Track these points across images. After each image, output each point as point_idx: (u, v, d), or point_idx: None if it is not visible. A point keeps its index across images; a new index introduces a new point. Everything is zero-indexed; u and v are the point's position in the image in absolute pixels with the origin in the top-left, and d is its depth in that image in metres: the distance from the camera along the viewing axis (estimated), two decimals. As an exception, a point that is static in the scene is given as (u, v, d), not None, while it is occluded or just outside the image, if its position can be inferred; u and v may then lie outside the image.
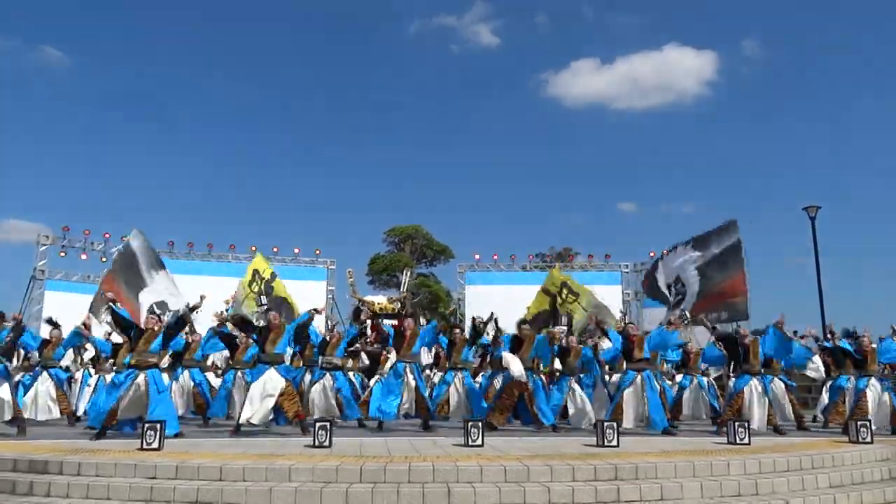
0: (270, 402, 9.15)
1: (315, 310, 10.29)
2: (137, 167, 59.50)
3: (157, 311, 10.96)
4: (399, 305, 21.28)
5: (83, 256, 21.49)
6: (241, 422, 9.14)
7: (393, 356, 13.27)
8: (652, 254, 23.74)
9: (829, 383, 12.10)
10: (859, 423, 8.56)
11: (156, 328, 8.96)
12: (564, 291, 14.33)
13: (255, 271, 14.84)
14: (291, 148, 61.82)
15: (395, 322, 19.43)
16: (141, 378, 8.63)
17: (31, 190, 57.36)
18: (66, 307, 19.65)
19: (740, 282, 13.44)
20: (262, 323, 9.98)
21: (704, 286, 13.77)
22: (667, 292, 14.70)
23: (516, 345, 10.68)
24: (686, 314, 13.55)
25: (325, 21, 61.68)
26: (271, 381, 9.25)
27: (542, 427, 10.09)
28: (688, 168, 59.02)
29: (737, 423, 8.34)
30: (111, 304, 9.31)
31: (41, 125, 56.87)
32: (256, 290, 14.42)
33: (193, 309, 9.75)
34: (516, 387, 10.13)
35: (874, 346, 10.98)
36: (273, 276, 15.21)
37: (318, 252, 24.22)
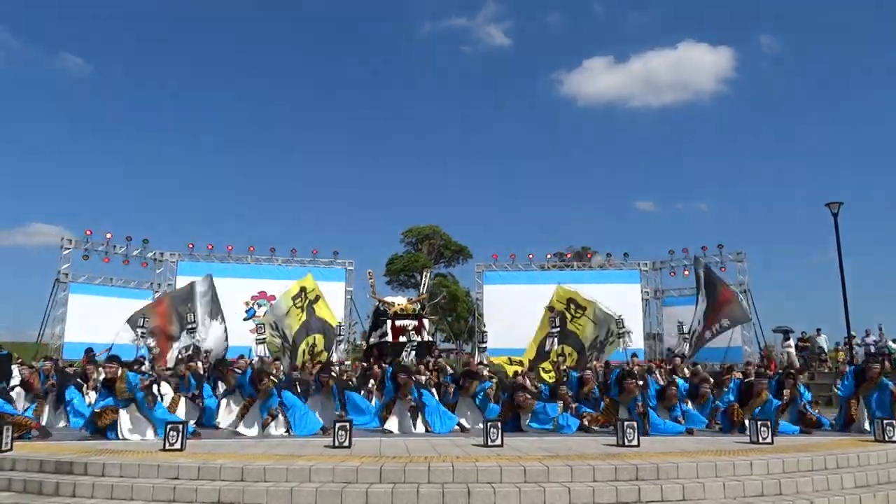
0: None
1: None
2: (159, 172, 60.33)
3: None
4: (419, 306, 21.29)
5: (105, 260, 21.76)
6: None
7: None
8: (671, 252, 23.59)
9: None
10: (885, 422, 8.41)
11: (118, 375, 8.80)
12: (572, 307, 15.03)
13: (303, 289, 15.07)
14: (308, 150, 62.28)
15: (415, 322, 19.51)
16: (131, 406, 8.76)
17: (54, 194, 58.38)
18: (90, 310, 19.99)
19: (726, 292, 15.40)
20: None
21: (703, 313, 15.34)
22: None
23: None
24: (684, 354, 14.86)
25: (339, 24, 62.04)
26: None
27: None
28: (705, 166, 58.56)
29: (759, 423, 8.24)
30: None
31: (64, 131, 57.87)
32: (300, 304, 14.76)
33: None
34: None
35: None
36: (318, 297, 15.55)
37: (336, 253, 24.35)
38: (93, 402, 11.95)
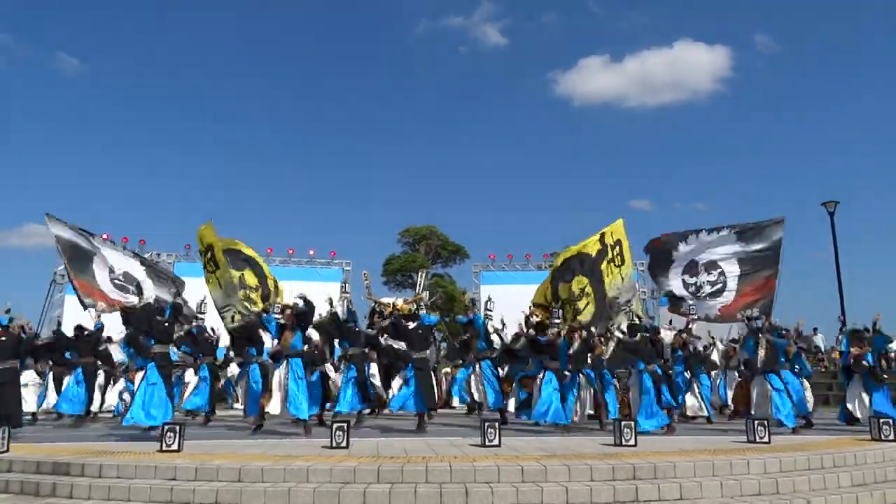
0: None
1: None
2: (155, 172, 60.14)
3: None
4: (414, 306, 21.19)
5: (102, 261, 21.65)
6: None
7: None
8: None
9: None
10: (881, 420, 8.43)
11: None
12: (616, 250, 13.52)
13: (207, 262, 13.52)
14: (304, 149, 62.17)
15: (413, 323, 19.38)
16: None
17: (51, 194, 58.19)
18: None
19: (773, 279, 13.68)
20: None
21: (743, 282, 13.73)
22: (684, 276, 14.47)
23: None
24: (693, 311, 13.68)
25: (335, 23, 61.96)
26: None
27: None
28: (702, 166, 58.57)
29: (756, 422, 8.26)
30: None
31: (58, 131, 57.68)
32: (212, 269, 13.78)
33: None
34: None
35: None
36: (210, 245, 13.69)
37: (333, 253, 24.31)
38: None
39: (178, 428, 7.17)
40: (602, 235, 13.41)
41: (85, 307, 13.32)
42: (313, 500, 5.56)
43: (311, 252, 24.21)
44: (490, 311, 15.66)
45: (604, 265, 13.19)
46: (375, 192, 61.84)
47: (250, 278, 14.03)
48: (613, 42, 61.24)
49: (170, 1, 59.12)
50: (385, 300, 21.19)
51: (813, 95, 55.19)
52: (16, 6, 52.42)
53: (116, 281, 14.09)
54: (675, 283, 14.35)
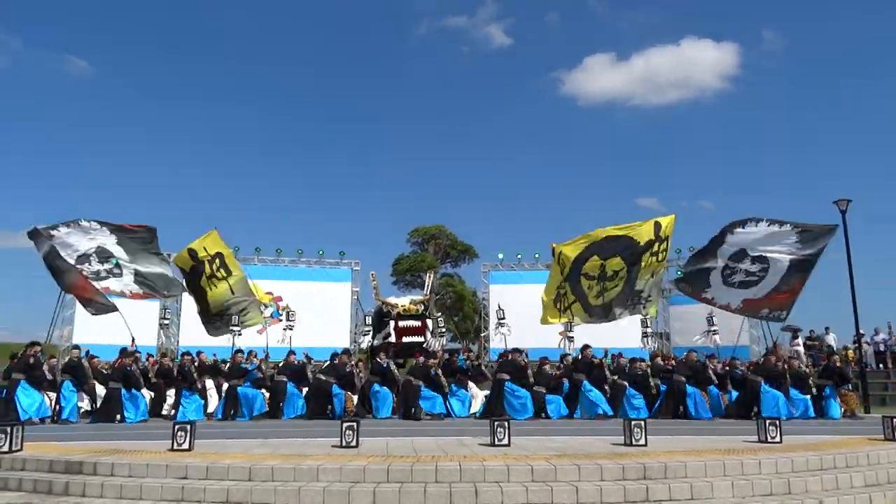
0: None
1: None
2: (163, 173, 60.58)
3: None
4: (422, 307, 21.23)
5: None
6: None
7: None
8: (678, 250, 23.43)
9: None
10: (895, 420, 8.36)
11: None
12: (663, 246, 13.21)
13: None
14: (312, 150, 62.40)
15: (418, 323, 19.52)
16: None
17: (60, 195, 58.68)
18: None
19: (800, 286, 13.11)
20: None
21: (784, 282, 13.13)
22: (723, 261, 13.61)
23: None
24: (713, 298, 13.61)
25: (337, 23, 62.15)
26: None
27: None
28: (708, 164, 58.34)
29: (768, 422, 8.21)
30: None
31: (68, 133, 58.19)
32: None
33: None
34: None
35: None
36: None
37: (342, 253, 24.34)
38: None
39: (189, 427, 7.21)
40: (657, 226, 13.07)
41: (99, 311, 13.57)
42: (323, 499, 5.57)
43: (321, 252, 24.25)
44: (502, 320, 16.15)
45: (646, 256, 13.02)
46: (384, 192, 62.05)
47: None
48: (619, 40, 61.28)
49: (176, 5, 59.49)
50: (392, 300, 21.26)
51: (822, 92, 54.86)
52: (23, 7, 52.93)
53: (91, 266, 13.97)
54: (716, 262, 13.58)
